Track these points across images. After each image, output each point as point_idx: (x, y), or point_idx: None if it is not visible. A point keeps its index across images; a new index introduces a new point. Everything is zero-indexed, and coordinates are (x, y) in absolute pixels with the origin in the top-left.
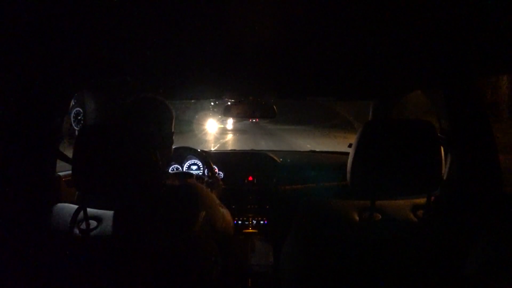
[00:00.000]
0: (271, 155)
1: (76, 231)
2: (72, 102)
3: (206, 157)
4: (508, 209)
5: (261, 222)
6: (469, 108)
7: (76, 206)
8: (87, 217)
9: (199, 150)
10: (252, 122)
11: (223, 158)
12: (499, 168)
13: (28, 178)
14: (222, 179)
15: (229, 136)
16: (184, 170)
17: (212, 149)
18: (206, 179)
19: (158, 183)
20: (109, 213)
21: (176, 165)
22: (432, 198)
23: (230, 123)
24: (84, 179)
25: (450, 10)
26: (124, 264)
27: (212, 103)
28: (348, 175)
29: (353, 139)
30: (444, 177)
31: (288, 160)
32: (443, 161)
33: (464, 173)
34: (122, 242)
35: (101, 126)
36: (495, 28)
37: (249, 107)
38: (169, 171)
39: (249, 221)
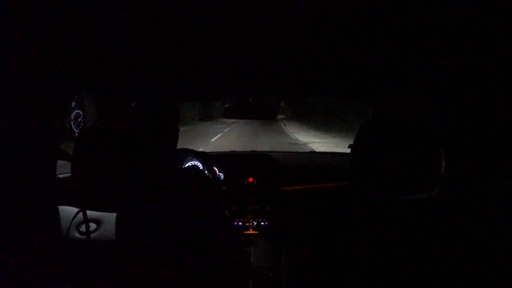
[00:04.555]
0: (272, 156)
1: (76, 233)
2: (72, 104)
3: (207, 158)
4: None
5: (262, 223)
6: (463, 107)
7: (76, 209)
8: (86, 220)
9: (199, 151)
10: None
11: (223, 159)
12: (498, 163)
13: (28, 180)
14: (222, 181)
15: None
16: None
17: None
18: None
19: (167, 179)
20: (110, 215)
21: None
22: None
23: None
24: (84, 181)
25: (450, 11)
26: (125, 267)
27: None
28: (348, 175)
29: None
30: (443, 176)
31: (289, 161)
32: (442, 160)
33: (462, 171)
34: (124, 245)
35: (101, 128)
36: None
37: (249, 108)
38: None
39: (249, 223)
